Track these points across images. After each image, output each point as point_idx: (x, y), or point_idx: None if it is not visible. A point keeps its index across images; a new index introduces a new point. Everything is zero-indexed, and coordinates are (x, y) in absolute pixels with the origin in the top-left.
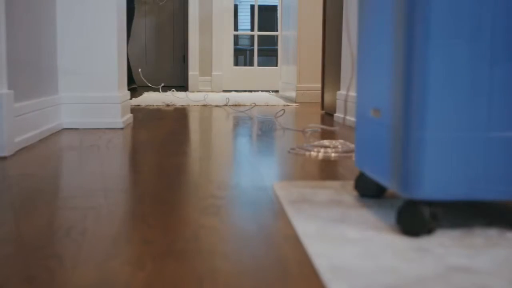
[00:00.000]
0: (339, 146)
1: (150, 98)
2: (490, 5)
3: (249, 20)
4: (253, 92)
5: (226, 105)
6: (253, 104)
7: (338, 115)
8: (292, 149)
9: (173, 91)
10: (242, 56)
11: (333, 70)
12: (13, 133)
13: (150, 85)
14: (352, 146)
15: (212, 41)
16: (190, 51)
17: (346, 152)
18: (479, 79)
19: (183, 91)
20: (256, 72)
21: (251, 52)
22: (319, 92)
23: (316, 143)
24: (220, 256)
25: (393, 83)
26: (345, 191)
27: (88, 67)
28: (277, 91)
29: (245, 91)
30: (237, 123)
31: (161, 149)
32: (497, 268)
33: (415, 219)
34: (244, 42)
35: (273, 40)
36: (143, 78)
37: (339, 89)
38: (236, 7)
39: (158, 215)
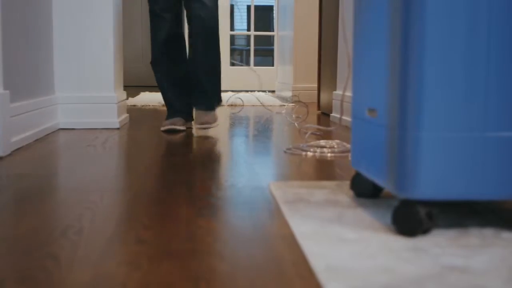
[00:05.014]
0: (335, 146)
1: (146, 98)
2: (485, 5)
3: (245, 20)
4: (249, 92)
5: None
6: (302, 103)
7: (334, 115)
8: (289, 149)
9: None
10: (238, 56)
11: (329, 70)
12: (9, 133)
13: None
14: (348, 146)
15: None
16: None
17: (342, 152)
18: (475, 79)
19: None
20: (253, 72)
21: (247, 52)
22: (315, 92)
23: (312, 143)
24: (216, 256)
25: (389, 83)
26: (341, 191)
27: (84, 67)
28: (273, 91)
29: (241, 91)
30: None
31: (158, 149)
32: (492, 268)
33: (411, 219)
34: (240, 42)
35: (270, 40)
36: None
37: (335, 89)
38: (232, 7)
39: (154, 215)
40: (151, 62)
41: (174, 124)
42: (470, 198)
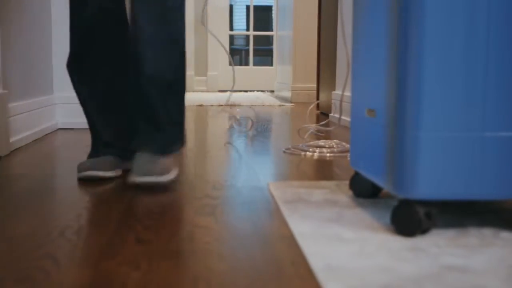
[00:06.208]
0: (335, 146)
1: None
2: (484, 6)
3: (244, 20)
4: (248, 92)
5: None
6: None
7: (334, 115)
8: (288, 149)
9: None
10: (237, 56)
11: (328, 70)
12: (8, 133)
13: None
14: (347, 146)
15: (207, 41)
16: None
17: (342, 152)
18: (474, 79)
19: None
20: (252, 72)
21: (246, 52)
22: (315, 92)
23: (311, 143)
24: (215, 256)
25: (388, 83)
26: (340, 191)
27: None
28: (272, 91)
29: (240, 91)
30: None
31: None
32: (491, 267)
33: (410, 219)
34: (239, 42)
35: (268, 40)
36: None
37: (334, 89)
38: (231, 7)
39: (153, 215)
40: (67, 65)
41: (95, 169)
42: (469, 198)
